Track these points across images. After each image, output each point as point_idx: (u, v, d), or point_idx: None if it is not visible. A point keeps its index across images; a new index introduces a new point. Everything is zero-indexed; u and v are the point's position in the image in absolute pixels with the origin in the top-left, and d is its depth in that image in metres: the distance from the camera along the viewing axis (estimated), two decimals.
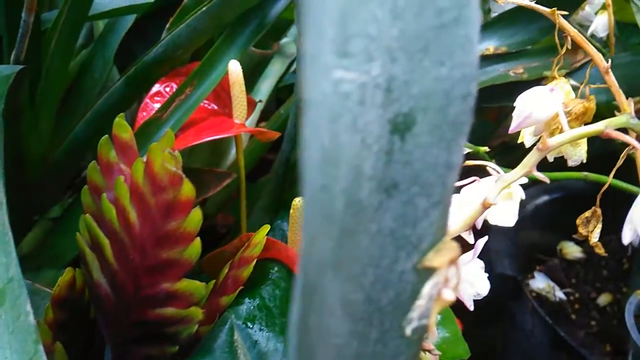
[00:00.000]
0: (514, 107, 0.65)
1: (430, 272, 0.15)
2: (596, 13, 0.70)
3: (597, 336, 0.75)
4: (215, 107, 0.50)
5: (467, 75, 0.14)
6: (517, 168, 0.26)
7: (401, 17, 0.13)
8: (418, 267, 0.15)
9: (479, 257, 0.76)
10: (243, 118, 0.48)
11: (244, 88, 0.47)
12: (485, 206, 0.27)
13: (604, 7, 0.68)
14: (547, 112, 0.29)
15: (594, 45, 0.71)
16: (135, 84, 0.49)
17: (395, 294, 0.15)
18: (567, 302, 0.79)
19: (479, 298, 0.35)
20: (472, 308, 0.35)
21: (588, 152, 0.36)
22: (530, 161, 0.26)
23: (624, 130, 0.26)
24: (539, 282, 0.82)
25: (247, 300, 0.34)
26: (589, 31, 0.67)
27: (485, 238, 0.35)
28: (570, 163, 0.37)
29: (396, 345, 0.15)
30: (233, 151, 0.65)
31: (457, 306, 0.35)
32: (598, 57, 0.35)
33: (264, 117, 0.66)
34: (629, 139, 0.24)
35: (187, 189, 0.27)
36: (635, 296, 0.61)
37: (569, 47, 0.35)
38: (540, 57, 0.63)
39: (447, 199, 0.15)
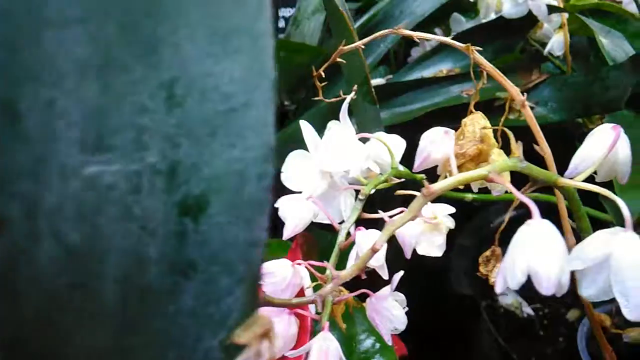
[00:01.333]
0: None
1: (240, 348, 0.15)
2: (555, 31, 0.70)
3: (565, 352, 0.75)
4: None
5: (261, 156, 0.14)
6: (404, 213, 0.26)
7: (180, 105, 0.13)
8: (226, 344, 0.15)
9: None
10: None
11: None
12: (374, 251, 0.27)
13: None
14: (442, 154, 0.29)
15: (552, 63, 0.71)
16: None
17: None
18: (535, 317, 0.79)
19: (397, 332, 0.35)
20: (390, 343, 0.35)
21: None
22: (415, 207, 0.26)
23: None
24: (507, 298, 0.82)
25: None
26: (546, 50, 0.67)
27: (401, 273, 0.34)
28: (494, 194, 0.38)
29: None
30: None
31: (414, 327, 0.35)
32: (514, 90, 0.35)
33: None
34: (509, 185, 0.24)
35: None
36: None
37: (485, 81, 0.36)
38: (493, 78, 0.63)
39: (253, 274, 0.15)
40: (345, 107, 0.40)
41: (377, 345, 0.44)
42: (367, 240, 0.34)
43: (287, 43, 0.65)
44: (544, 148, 0.35)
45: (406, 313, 0.35)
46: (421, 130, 0.43)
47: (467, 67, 0.64)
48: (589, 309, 0.38)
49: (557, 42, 0.67)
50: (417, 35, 0.36)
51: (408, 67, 0.67)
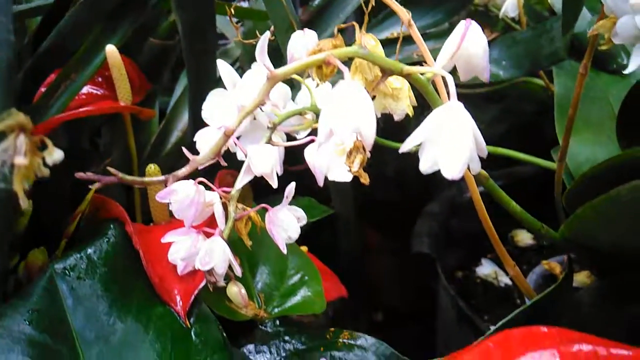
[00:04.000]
0: None
1: None
2: None
3: None
4: (106, 92, 0.53)
5: None
6: (255, 97, 0.28)
7: None
8: None
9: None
10: (128, 100, 0.51)
11: (124, 71, 0.50)
12: (227, 135, 0.28)
13: None
14: (300, 53, 0.31)
15: (506, 22, 0.72)
16: (33, 77, 0.53)
17: None
18: (513, 287, 0.79)
19: (291, 241, 0.36)
20: (285, 251, 0.36)
21: None
22: (262, 90, 0.28)
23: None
24: (485, 269, 0.82)
25: (73, 253, 0.36)
26: (501, 12, 0.68)
27: (293, 184, 0.36)
28: (396, 118, 0.39)
29: None
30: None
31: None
32: (402, 12, 0.36)
33: None
34: (335, 62, 0.26)
35: None
36: (540, 266, 0.61)
37: (373, 3, 0.37)
38: (443, 38, 0.64)
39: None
40: (261, 45, 0.42)
41: (306, 277, 0.46)
42: (257, 153, 0.35)
43: (244, 10, 0.67)
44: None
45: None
46: None
47: (420, 28, 0.65)
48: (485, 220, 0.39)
49: (511, 4, 0.68)
50: None
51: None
